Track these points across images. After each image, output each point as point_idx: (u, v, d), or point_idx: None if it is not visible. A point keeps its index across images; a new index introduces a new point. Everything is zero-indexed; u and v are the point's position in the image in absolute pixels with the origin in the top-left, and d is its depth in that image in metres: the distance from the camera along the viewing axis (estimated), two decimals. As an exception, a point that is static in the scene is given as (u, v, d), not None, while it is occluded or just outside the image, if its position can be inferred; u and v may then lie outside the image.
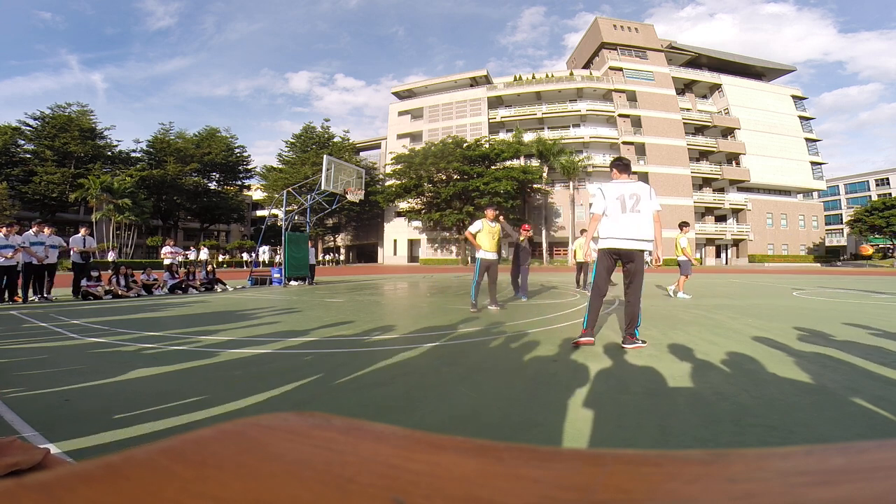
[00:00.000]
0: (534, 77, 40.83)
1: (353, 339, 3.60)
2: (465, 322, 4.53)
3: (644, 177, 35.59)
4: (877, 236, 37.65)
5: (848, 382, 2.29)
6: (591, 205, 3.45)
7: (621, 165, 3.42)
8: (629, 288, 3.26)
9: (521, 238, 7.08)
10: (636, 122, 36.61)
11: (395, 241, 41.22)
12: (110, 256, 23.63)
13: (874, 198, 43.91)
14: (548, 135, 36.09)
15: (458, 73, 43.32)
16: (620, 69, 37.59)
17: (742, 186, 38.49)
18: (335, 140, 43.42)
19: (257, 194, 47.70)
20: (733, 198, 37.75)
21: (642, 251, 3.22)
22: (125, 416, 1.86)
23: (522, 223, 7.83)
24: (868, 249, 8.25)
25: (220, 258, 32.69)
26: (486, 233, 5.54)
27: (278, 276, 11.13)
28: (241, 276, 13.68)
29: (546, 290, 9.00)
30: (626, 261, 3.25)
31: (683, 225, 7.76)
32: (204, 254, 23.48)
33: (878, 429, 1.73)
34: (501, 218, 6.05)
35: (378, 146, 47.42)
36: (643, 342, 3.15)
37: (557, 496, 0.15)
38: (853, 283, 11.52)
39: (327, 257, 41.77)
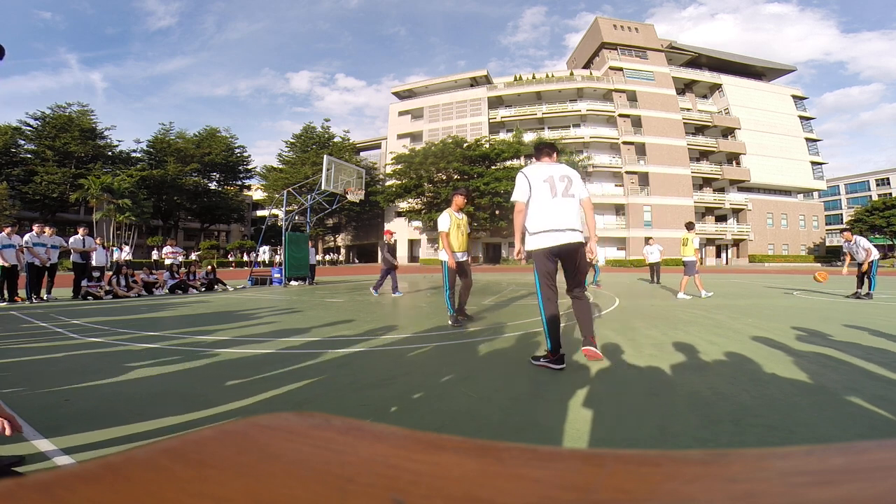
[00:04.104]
0: (534, 77, 40.81)
1: (353, 339, 3.60)
2: (463, 322, 4.53)
3: (644, 176, 35.63)
4: (877, 236, 37.66)
5: (848, 382, 2.29)
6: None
7: (545, 148, 2.90)
8: (576, 287, 2.78)
9: (390, 240, 8.60)
10: (636, 122, 36.60)
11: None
12: (116, 254, 17.72)
13: (875, 198, 43.91)
14: (548, 135, 36.07)
15: (458, 73, 43.34)
16: (620, 69, 37.58)
17: (742, 186, 38.47)
18: (335, 140, 43.42)
19: (257, 194, 47.69)
20: (733, 198, 37.73)
21: (581, 244, 2.72)
22: (125, 416, 1.86)
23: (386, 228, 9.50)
24: (823, 277, 7.89)
25: (230, 258, 32.41)
26: (453, 227, 4.52)
27: (278, 276, 11.14)
28: (241, 276, 13.68)
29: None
30: (565, 257, 2.72)
31: (691, 225, 7.75)
32: (126, 253, 16.98)
33: (878, 429, 1.73)
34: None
35: (378, 146, 47.40)
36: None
37: (557, 496, 0.15)
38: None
39: (327, 257, 41.75)
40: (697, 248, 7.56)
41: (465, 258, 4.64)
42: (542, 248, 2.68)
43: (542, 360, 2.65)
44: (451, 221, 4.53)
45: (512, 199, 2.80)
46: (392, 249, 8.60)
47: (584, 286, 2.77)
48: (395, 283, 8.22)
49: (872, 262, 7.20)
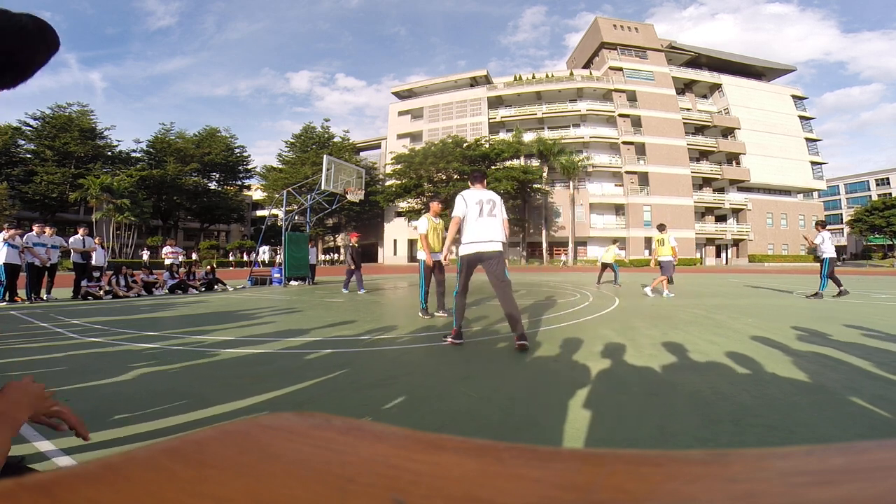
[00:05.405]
0: (534, 77, 40.82)
1: (353, 339, 3.60)
2: (464, 322, 4.53)
3: (644, 176, 35.64)
4: (877, 236, 37.70)
5: (848, 382, 2.29)
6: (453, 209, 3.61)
7: (477, 175, 3.67)
8: (502, 290, 3.33)
9: (354, 243, 9.23)
10: (636, 122, 36.60)
11: (395, 241, 41.19)
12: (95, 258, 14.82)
13: (874, 197, 43.93)
14: (548, 135, 36.06)
15: (458, 73, 43.34)
16: (620, 69, 37.58)
17: (742, 186, 38.48)
18: (335, 140, 43.42)
19: (257, 194, 47.67)
20: (733, 198, 37.75)
21: (500, 252, 3.39)
22: (125, 416, 1.86)
23: (352, 231, 9.89)
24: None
25: (230, 258, 32.37)
26: (431, 231, 5.01)
27: (278, 276, 11.14)
28: (241, 276, 13.68)
29: (547, 290, 9.00)
30: (486, 262, 3.38)
31: (662, 227, 7.91)
32: (101, 256, 12.64)
33: (878, 429, 1.73)
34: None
35: (378, 146, 47.40)
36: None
37: (557, 496, 0.15)
38: (854, 284, 11.50)
39: (327, 257, 41.74)
40: (674, 245, 7.67)
41: (437, 258, 5.09)
42: (468, 254, 3.41)
43: (449, 337, 3.42)
44: (428, 225, 4.98)
45: (452, 215, 3.50)
46: (356, 251, 8.99)
47: (506, 279, 3.37)
48: (360, 281, 8.63)
49: (824, 259, 7.24)
